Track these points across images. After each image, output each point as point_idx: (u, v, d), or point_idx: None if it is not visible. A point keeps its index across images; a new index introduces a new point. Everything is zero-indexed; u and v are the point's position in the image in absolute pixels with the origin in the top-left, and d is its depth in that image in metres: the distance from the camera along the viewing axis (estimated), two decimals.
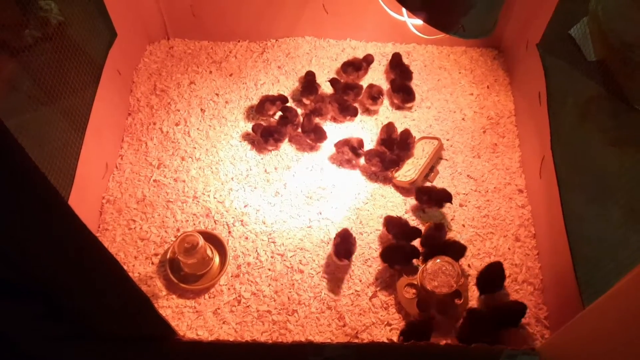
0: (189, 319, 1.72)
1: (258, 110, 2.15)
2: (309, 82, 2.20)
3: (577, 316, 1.20)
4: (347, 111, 2.12)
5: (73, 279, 1.02)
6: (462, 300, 1.72)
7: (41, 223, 0.91)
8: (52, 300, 1.05)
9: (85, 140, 1.82)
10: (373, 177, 2.03)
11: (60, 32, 1.82)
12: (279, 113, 2.14)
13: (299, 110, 2.16)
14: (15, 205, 0.87)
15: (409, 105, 2.20)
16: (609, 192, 1.71)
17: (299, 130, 2.10)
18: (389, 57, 2.34)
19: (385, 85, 2.28)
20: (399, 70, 2.27)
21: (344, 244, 1.77)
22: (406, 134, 2.05)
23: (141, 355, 1.33)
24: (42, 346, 1.25)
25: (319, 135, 2.05)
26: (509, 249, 1.86)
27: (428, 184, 1.99)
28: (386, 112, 2.21)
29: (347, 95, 2.17)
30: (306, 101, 2.18)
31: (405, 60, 2.32)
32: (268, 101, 2.15)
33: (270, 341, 1.64)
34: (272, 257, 1.84)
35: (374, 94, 2.15)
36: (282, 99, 2.16)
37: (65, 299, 1.06)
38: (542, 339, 1.66)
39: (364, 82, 2.26)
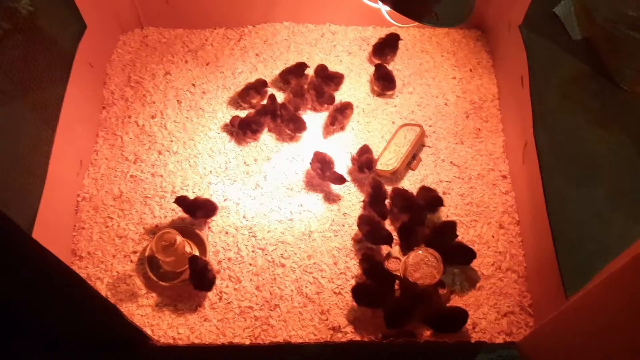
0: (170, 317, 1.69)
1: (241, 96, 2.10)
2: (296, 68, 2.16)
3: (557, 311, 1.18)
4: (322, 98, 2.08)
5: (35, 297, 0.99)
6: (445, 290, 1.70)
7: None
8: (15, 314, 1.01)
9: (57, 137, 1.77)
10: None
11: (30, 24, 1.76)
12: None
13: (279, 98, 2.11)
14: None
15: (389, 92, 2.15)
16: (594, 173, 1.70)
17: (278, 120, 2.05)
18: (370, 42, 2.29)
19: (368, 70, 2.23)
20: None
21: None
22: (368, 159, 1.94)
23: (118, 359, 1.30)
24: (20, 352, 1.21)
25: (298, 125, 2.01)
26: (493, 236, 1.83)
27: (410, 172, 1.96)
28: (367, 99, 2.16)
29: (327, 86, 2.12)
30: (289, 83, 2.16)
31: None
32: (252, 89, 2.09)
33: (252, 338, 1.62)
34: (253, 251, 1.81)
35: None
36: (263, 83, 2.12)
37: (29, 313, 1.03)
38: (526, 327, 1.65)
39: (349, 68, 2.23)
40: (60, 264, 0.95)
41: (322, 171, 1.89)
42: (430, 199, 1.82)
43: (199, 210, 1.83)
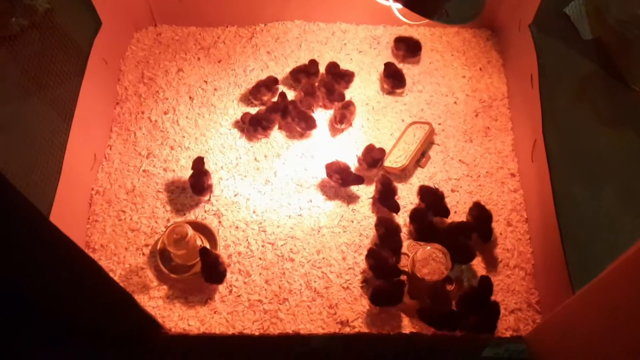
0: (180, 309, 1.71)
1: (252, 93, 2.13)
2: (306, 67, 2.17)
3: (564, 304, 1.19)
4: (332, 95, 2.09)
5: (51, 283, 1.01)
6: (453, 286, 1.71)
7: (15, 231, 0.90)
8: (28, 302, 1.04)
9: (72, 131, 1.80)
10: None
11: (47, 20, 1.79)
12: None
13: (290, 96, 2.13)
14: None
15: (399, 91, 2.17)
16: (602, 173, 1.71)
17: (289, 118, 2.07)
18: (380, 40, 2.30)
19: (378, 68, 2.24)
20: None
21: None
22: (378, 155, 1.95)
23: (127, 351, 1.33)
24: (25, 347, 1.24)
25: (309, 124, 2.03)
26: (501, 234, 1.84)
27: (419, 170, 1.98)
28: (377, 97, 2.18)
29: (337, 83, 2.14)
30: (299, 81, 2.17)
31: None
32: (263, 86, 2.12)
33: (261, 330, 1.65)
34: (262, 246, 1.83)
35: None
36: (274, 80, 2.14)
37: (42, 300, 1.06)
38: (534, 324, 1.66)
39: (359, 66, 2.25)
40: (78, 249, 0.98)
41: (343, 180, 1.89)
42: (482, 223, 1.80)
43: (200, 179, 1.86)
